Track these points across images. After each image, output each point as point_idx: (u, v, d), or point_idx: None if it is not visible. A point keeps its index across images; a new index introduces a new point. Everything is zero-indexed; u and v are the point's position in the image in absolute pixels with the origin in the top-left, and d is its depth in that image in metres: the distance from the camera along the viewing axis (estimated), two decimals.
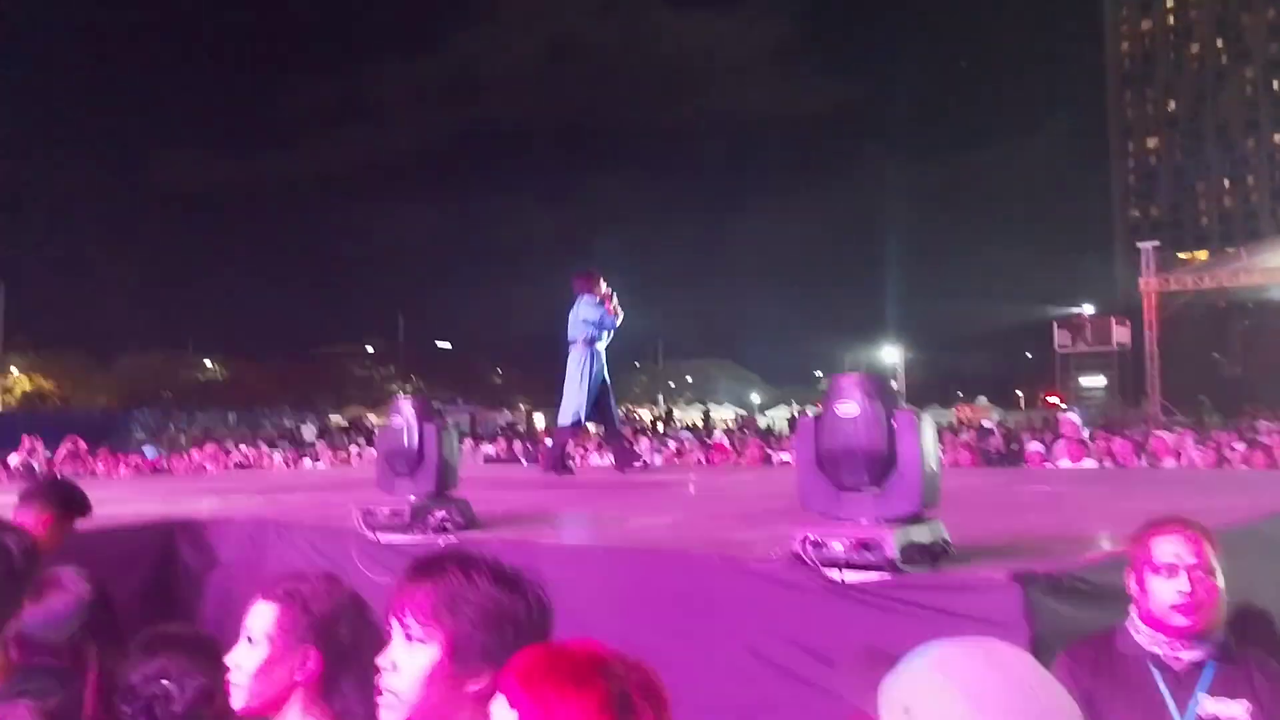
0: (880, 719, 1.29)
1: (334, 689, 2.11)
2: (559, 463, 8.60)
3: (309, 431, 29.95)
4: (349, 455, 17.18)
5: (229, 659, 2.13)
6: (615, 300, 8.60)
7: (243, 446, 17.52)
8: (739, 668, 3.24)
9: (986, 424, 20.15)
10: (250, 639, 2.11)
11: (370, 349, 58.03)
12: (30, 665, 2.41)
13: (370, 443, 17.34)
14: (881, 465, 3.17)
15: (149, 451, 15.77)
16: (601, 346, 8.51)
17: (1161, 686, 2.56)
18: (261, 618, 2.12)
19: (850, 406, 3.18)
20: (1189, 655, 2.56)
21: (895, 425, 3.16)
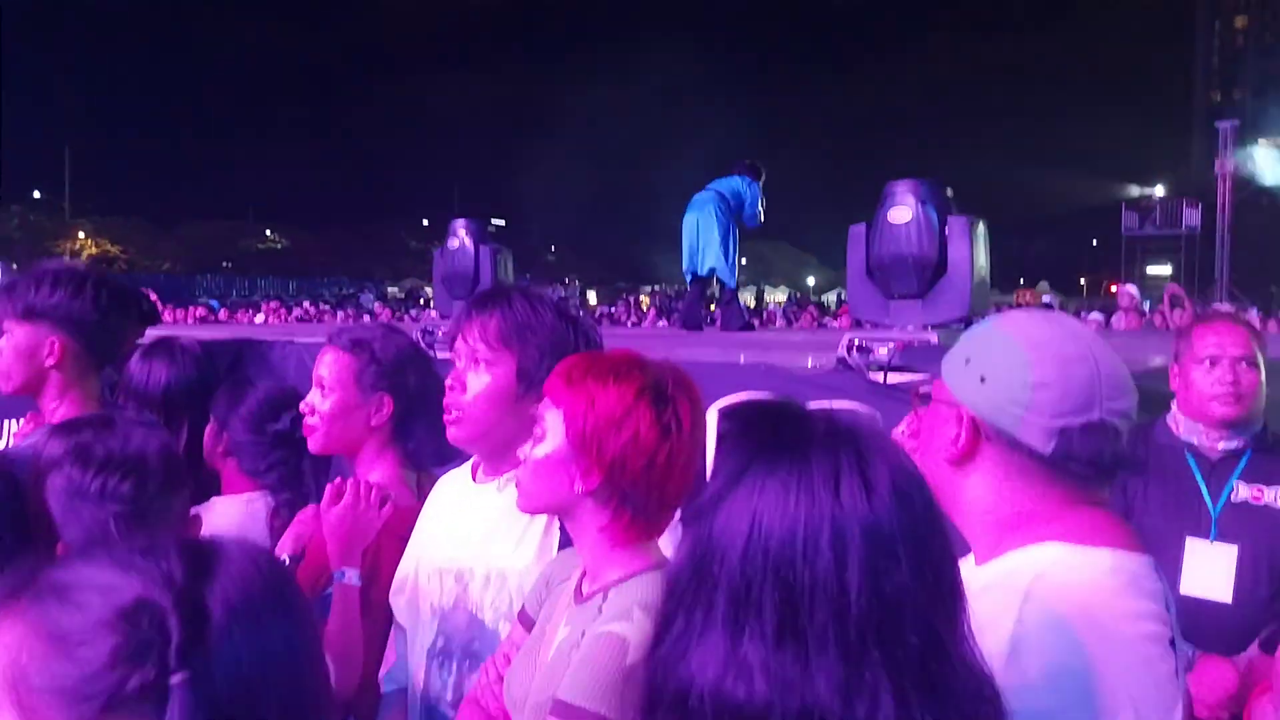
0: (944, 378, 1.39)
1: (405, 432, 2.25)
2: (696, 319, 8.24)
3: (367, 299, 30.52)
4: (405, 317, 17.53)
5: (304, 404, 2.27)
6: (762, 207, 8.13)
7: (305, 304, 17.95)
8: None
9: (1047, 299, 19.91)
10: (324, 386, 2.24)
11: (426, 222, 58.35)
12: (111, 411, 2.58)
13: (428, 305, 17.67)
14: (932, 271, 3.21)
15: (214, 304, 16.25)
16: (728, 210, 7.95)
17: (1197, 474, 2.62)
18: (334, 366, 2.24)
19: (902, 212, 3.21)
20: (1226, 445, 2.61)
21: (947, 231, 3.19)
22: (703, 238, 7.82)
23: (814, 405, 1.07)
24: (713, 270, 7.87)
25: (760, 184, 8.05)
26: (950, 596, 0.99)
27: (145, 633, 0.76)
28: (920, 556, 0.96)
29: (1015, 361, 1.30)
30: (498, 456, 1.92)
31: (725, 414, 1.07)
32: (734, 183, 8.00)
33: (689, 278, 8.15)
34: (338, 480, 2.06)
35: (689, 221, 7.91)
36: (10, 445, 2.80)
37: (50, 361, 2.48)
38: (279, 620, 0.84)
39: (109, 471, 1.54)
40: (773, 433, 1.02)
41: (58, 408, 2.51)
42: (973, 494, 1.35)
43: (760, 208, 8.04)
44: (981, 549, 1.35)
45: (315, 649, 0.90)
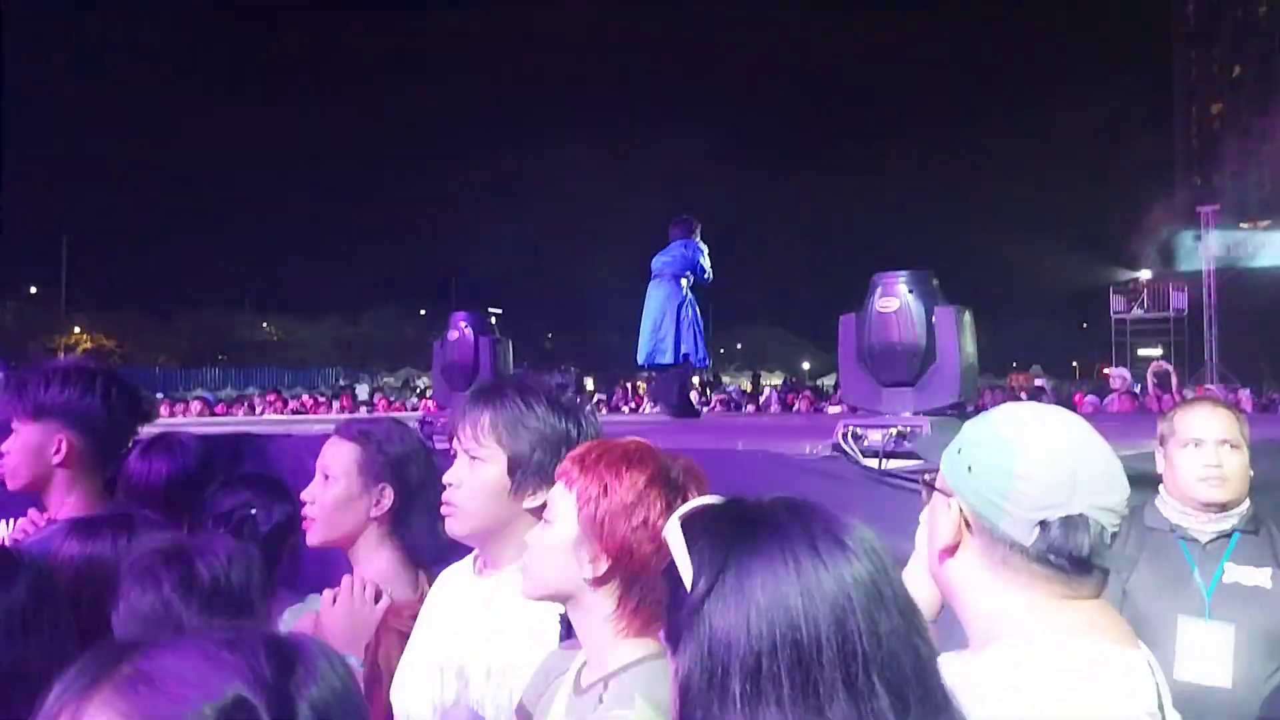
0: (941, 466, 1.43)
1: (405, 524, 2.28)
2: (686, 405, 7.99)
3: (363, 390, 30.50)
4: (404, 407, 17.54)
5: (305, 494, 2.30)
6: (710, 262, 8.01)
7: (303, 396, 17.98)
8: None
9: (1039, 383, 20.02)
10: (327, 475, 2.27)
11: (423, 312, 58.76)
12: (125, 509, 2.61)
13: (425, 395, 17.69)
14: (921, 360, 3.27)
15: (209, 398, 16.28)
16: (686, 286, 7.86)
17: (1188, 557, 2.66)
18: (339, 455, 2.27)
19: (891, 302, 3.28)
20: (1215, 527, 2.65)
21: (935, 321, 3.26)
22: (666, 328, 7.73)
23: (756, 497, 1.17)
24: (686, 356, 7.80)
25: (699, 238, 7.98)
26: (921, 621, 1.12)
27: None
28: (896, 594, 1.09)
29: (999, 452, 1.33)
30: (495, 549, 1.95)
31: (687, 521, 1.14)
32: (676, 252, 7.93)
33: (650, 365, 8.01)
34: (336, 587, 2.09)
35: (648, 311, 7.86)
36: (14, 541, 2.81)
37: (58, 459, 2.52)
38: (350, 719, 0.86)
39: (215, 609, 1.51)
40: (741, 523, 1.10)
41: (63, 505, 2.53)
42: (964, 584, 1.37)
43: (709, 264, 7.97)
44: (974, 640, 1.36)
45: None
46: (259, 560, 1.68)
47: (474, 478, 1.92)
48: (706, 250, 8.00)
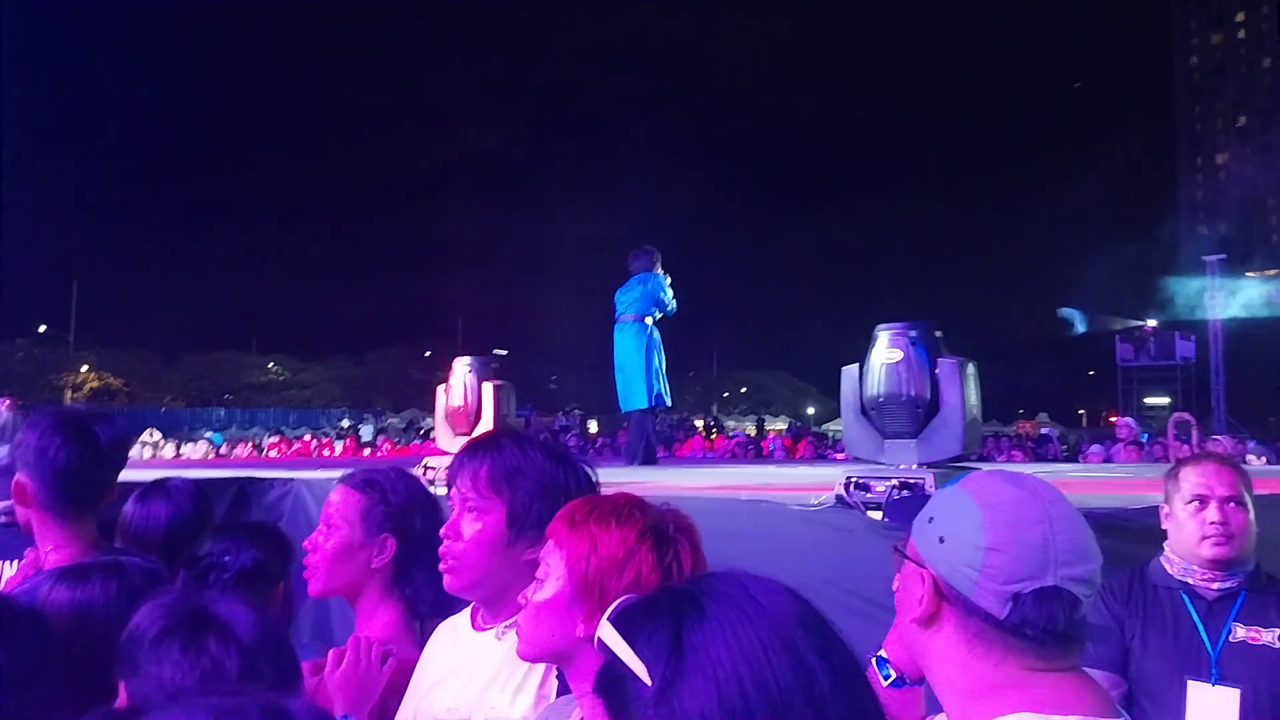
0: (912, 535, 1.41)
1: (407, 577, 2.24)
2: (648, 453, 7.90)
3: (367, 431, 30.48)
4: (409, 449, 17.55)
5: (307, 543, 2.28)
6: (672, 291, 7.98)
7: (306, 436, 18.00)
8: None
9: (1046, 431, 19.96)
10: (330, 524, 2.25)
11: (428, 353, 58.82)
12: (122, 554, 2.59)
13: (429, 437, 17.71)
14: (924, 411, 3.26)
15: (216, 439, 16.29)
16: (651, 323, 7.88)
17: (1194, 615, 2.63)
18: (341, 504, 2.25)
19: (894, 354, 3.28)
20: (1220, 585, 2.62)
21: (938, 372, 3.26)
22: (635, 373, 7.75)
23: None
24: (659, 397, 7.83)
25: (659, 268, 7.94)
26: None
27: None
28: (834, 631, 1.08)
29: (970, 523, 1.30)
30: (495, 603, 1.93)
31: (618, 618, 1.12)
32: (637, 290, 7.88)
33: (628, 410, 8.02)
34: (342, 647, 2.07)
35: (619, 359, 7.87)
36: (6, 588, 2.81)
37: (24, 504, 2.51)
38: None
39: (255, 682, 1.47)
40: (679, 598, 1.08)
41: (50, 552, 2.52)
42: (939, 657, 1.33)
43: (670, 295, 7.94)
44: (951, 714, 1.33)
45: None
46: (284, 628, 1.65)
47: (471, 530, 1.91)
48: (668, 280, 7.98)
